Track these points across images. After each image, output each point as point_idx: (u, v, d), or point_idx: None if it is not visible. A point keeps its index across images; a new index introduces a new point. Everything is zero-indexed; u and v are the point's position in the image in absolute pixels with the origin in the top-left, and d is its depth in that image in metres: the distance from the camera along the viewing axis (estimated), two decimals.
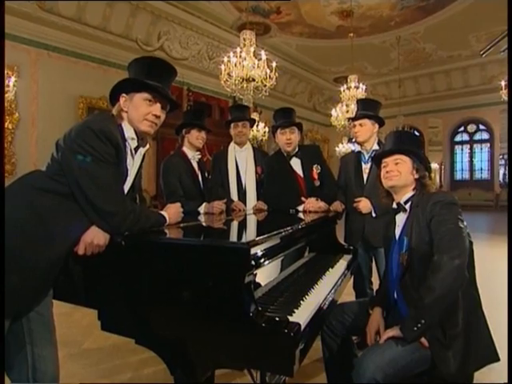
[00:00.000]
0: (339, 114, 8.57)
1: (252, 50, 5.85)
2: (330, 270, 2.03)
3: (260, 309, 1.21)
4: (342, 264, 2.17)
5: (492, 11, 9.21)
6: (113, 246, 1.39)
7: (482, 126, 13.59)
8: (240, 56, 5.79)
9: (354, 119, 2.64)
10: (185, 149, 2.68)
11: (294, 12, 9.26)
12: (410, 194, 1.71)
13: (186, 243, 1.32)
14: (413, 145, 1.76)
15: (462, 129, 14.06)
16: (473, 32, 10.50)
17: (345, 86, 8.16)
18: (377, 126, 2.63)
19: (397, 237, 1.72)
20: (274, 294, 1.52)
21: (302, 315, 1.33)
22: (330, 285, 1.81)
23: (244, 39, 5.95)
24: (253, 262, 1.25)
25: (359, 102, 2.78)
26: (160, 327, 1.31)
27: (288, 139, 2.67)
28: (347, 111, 8.20)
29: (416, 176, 1.71)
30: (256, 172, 2.94)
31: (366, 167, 2.63)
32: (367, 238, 2.59)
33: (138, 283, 1.35)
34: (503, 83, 7.00)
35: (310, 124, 13.90)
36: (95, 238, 1.34)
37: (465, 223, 1.50)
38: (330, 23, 9.73)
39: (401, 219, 1.73)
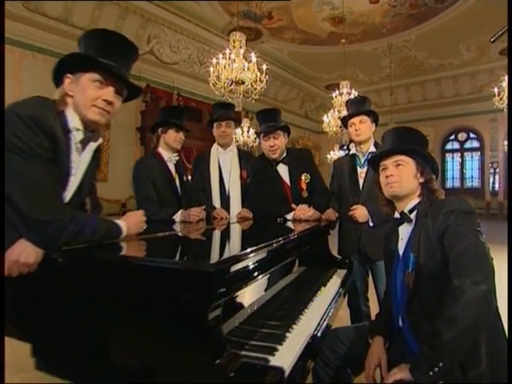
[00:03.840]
0: (331, 120, 8.34)
1: (242, 51, 5.59)
2: (323, 288, 1.73)
3: (234, 350, 0.91)
4: (335, 281, 1.88)
5: (482, 20, 9.12)
6: (47, 263, 1.08)
7: (472, 135, 13.48)
8: (229, 58, 5.52)
9: (352, 116, 2.36)
10: (160, 150, 2.38)
11: (285, 17, 9.06)
12: (415, 201, 1.43)
13: (130, 263, 1.02)
14: (416, 143, 1.47)
15: (452, 137, 13.94)
16: (463, 41, 10.41)
17: (337, 92, 7.94)
18: (374, 125, 2.36)
19: (400, 252, 1.44)
20: (255, 320, 1.22)
21: (286, 354, 1.03)
22: (323, 308, 1.52)
23: (234, 41, 5.69)
24: (223, 289, 0.96)
25: (350, 101, 2.50)
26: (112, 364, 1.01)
27: (272, 146, 2.38)
28: (339, 117, 7.97)
29: (421, 180, 1.43)
30: (241, 176, 2.65)
31: (361, 171, 2.34)
32: (364, 249, 2.30)
33: (81, 308, 1.05)
34: (496, 90, 6.83)
35: (301, 131, 13.69)
36: (23, 254, 1.03)
37: (484, 236, 1.22)
38: (322, 29, 9.56)
39: (405, 231, 1.44)
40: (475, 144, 13.49)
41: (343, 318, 2.55)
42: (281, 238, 1.46)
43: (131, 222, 1.34)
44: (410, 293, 1.32)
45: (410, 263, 1.33)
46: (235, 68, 5.51)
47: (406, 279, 1.34)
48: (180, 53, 9.68)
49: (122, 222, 1.30)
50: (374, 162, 1.54)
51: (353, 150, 2.43)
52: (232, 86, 5.71)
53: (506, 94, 6.54)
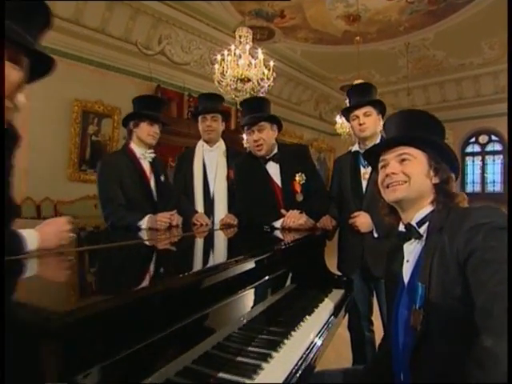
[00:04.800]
0: (344, 121, 7.89)
1: (248, 48, 5.24)
2: (308, 318, 1.34)
3: None
4: (325, 307, 1.48)
5: (505, 16, 8.47)
6: None
7: (494, 137, 12.70)
8: (234, 54, 5.18)
9: (354, 108, 1.97)
10: (132, 145, 2.04)
11: (298, 16, 8.67)
12: (426, 209, 1.03)
13: None
14: (428, 130, 1.08)
15: (473, 140, 13.19)
16: (485, 38, 9.77)
17: None
18: (381, 117, 1.96)
19: (405, 279, 1.04)
20: (218, 356, 0.87)
21: None
22: (305, 343, 1.14)
23: (240, 36, 5.35)
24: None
25: (351, 89, 2.09)
26: None
27: (256, 140, 2.00)
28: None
29: (435, 180, 1.03)
30: (228, 177, 2.28)
31: (365, 172, 1.94)
32: (367, 265, 1.90)
33: None
34: None
35: (316, 133, 13.23)
36: None
37: None
38: (336, 28, 9.11)
39: (412, 251, 1.04)
40: (497, 147, 12.72)
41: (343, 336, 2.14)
42: (250, 254, 1.09)
43: (47, 232, 1.01)
44: (417, 339, 0.92)
45: (418, 297, 0.94)
46: (241, 65, 5.16)
47: (411, 319, 0.94)
48: (191, 53, 9.43)
49: (32, 233, 0.97)
50: (372, 156, 1.15)
51: (355, 147, 2.03)
52: (238, 84, 5.38)
53: None
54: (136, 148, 2.03)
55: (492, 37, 9.57)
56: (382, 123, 1.99)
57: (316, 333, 1.20)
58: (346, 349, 2.21)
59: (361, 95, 1.99)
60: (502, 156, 12.54)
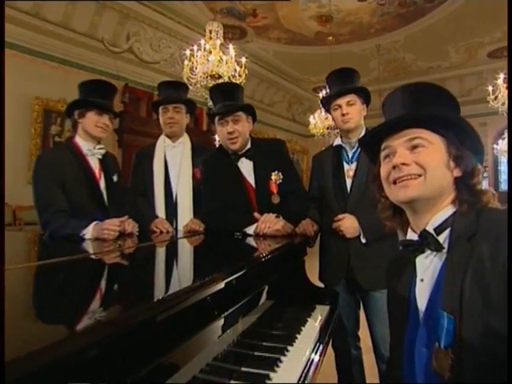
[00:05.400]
0: (317, 122, 7.72)
1: (218, 43, 4.95)
2: (289, 349, 1.05)
3: None
4: (310, 331, 1.20)
5: (472, 21, 8.67)
6: None
7: None
8: (204, 49, 4.87)
9: (336, 96, 1.71)
10: (78, 139, 1.69)
11: (270, 15, 8.46)
12: (446, 212, 0.76)
13: None
14: (443, 107, 0.82)
15: None
16: (452, 43, 9.95)
17: (324, 92, 7.33)
18: (365, 106, 1.71)
19: (420, 305, 0.77)
20: None
21: None
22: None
23: (210, 31, 5.04)
24: None
25: (332, 75, 1.83)
26: None
27: (230, 133, 1.70)
28: (326, 118, 7.37)
29: (457, 173, 0.77)
30: (194, 176, 1.97)
31: (349, 168, 1.68)
32: (353, 274, 1.63)
33: None
34: (490, 88, 6.26)
35: (289, 134, 13.07)
36: None
37: None
38: (309, 29, 8.99)
39: (428, 266, 0.77)
40: None
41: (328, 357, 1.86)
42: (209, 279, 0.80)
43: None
44: None
45: (443, 332, 0.66)
46: (211, 61, 4.86)
47: (434, 362, 0.67)
48: (161, 52, 9.04)
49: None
50: (370, 143, 0.87)
51: (337, 141, 1.77)
52: (208, 81, 5.06)
53: (502, 93, 5.98)
54: (82, 142, 1.67)
55: (458, 41, 9.72)
56: (364, 113, 1.74)
57: (299, 375, 0.91)
58: (328, 365, 1.94)
59: (343, 82, 1.73)
60: None
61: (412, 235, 0.81)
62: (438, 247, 0.74)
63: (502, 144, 9.46)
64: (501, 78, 5.94)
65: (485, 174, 11.44)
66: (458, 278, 0.67)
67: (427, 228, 0.76)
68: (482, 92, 7.55)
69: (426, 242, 0.76)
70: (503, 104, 6.15)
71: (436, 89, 0.85)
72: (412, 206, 0.78)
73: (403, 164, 0.75)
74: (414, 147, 0.76)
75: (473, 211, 0.73)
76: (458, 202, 0.75)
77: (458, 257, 0.69)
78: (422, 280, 0.77)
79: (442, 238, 0.75)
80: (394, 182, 0.77)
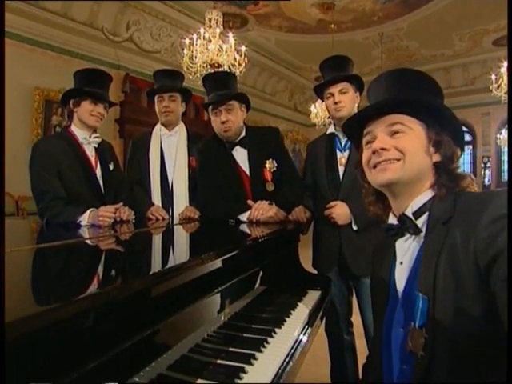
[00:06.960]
0: (319, 111, 7.69)
1: (218, 31, 4.91)
2: (276, 331, 1.08)
3: None
4: (299, 315, 1.23)
5: (477, 8, 8.51)
6: None
7: (464, 128, 12.89)
8: (204, 38, 4.84)
9: (329, 84, 1.71)
10: (73, 128, 1.71)
11: (272, 3, 8.36)
12: (425, 196, 0.78)
13: None
14: (425, 92, 0.83)
15: None
16: (456, 30, 9.78)
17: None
18: (358, 94, 1.72)
19: (399, 287, 0.79)
20: None
21: None
22: (273, 369, 0.88)
23: (210, 20, 5.00)
24: None
25: (325, 63, 1.83)
26: None
27: (224, 122, 1.71)
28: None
29: (437, 158, 0.78)
30: (189, 165, 1.99)
31: (342, 156, 1.69)
32: (345, 261, 1.66)
33: None
34: (493, 77, 6.19)
35: (290, 124, 13.01)
36: None
37: None
38: (311, 16, 8.87)
39: (407, 250, 0.79)
40: (467, 138, 12.92)
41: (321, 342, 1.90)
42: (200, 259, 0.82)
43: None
44: (419, 369, 0.67)
45: (418, 312, 0.69)
46: (211, 49, 4.83)
47: (409, 342, 0.70)
48: (162, 41, 8.97)
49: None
50: (356, 130, 0.88)
51: (331, 129, 1.78)
52: (208, 70, 5.04)
53: (504, 82, 5.91)
54: (77, 131, 1.69)
55: (462, 29, 9.56)
56: (358, 101, 1.75)
57: (285, 355, 0.94)
58: (322, 349, 1.97)
59: (336, 70, 1.74)
60: (471, 146, 12.73)
61: (393, 219, 0.83)
62: (416, 231, 0.76)
63: (505, 134, 9.37)
64: (504, 67, 5.87)
65: (488, 164, 11.36)
66: (432, 261, 0.69)
67: (406, 212, 0.78)
68: (487, 81, 7.48)
69: (405, 225, 0.78)
70: (506, 93, 6.08)
71: (420, 75, 0.86)
72: (392, 190, 0.80)
73: (382, 149, 0.76)
74: (394, 133, 0.78)
75: (451, 195, 0.75)
76: (436, 187, 0.77)
77: (433, 240, 0.71)
78: (401, 263, 0.80)
79: (421, 221, 0.77)
80: (374, 167, 0.79)
